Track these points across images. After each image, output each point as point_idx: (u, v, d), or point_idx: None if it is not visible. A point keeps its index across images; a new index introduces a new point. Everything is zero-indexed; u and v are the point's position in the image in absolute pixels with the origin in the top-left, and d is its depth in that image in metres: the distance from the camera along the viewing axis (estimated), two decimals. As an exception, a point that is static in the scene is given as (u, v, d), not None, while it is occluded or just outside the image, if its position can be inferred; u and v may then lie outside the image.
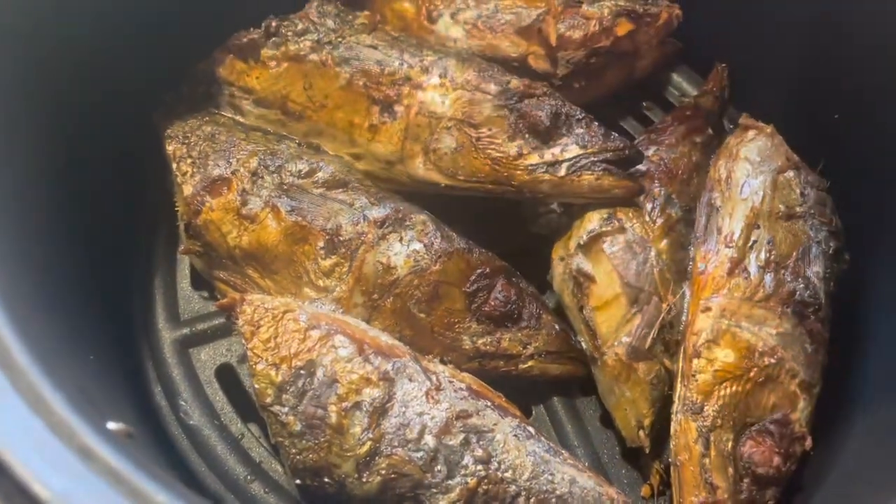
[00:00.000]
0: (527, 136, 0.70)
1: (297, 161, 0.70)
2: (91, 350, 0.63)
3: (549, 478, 0.60)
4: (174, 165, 0.70)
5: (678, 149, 0.76)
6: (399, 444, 0.59)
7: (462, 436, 0.60)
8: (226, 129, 0.73)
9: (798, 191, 0.72)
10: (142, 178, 0.76)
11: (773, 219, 0.70)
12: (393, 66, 0.73)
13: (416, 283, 0.67)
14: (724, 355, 0.64)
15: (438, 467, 0.59)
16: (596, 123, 0.71)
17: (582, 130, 0.71)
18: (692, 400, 0.63)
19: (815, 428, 0.64)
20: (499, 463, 0.60)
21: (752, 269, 0.67)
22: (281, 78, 0.75)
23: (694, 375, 0.64)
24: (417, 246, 0.68)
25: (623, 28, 0.80)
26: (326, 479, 0.60)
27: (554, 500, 0.60)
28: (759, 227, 0.69)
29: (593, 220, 0.70)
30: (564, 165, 0.69)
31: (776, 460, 0.62)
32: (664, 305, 0.67)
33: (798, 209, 0.71)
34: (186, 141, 0.71)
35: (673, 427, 0.64)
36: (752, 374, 0.63)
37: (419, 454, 0.59)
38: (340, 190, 0.70)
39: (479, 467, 0.60)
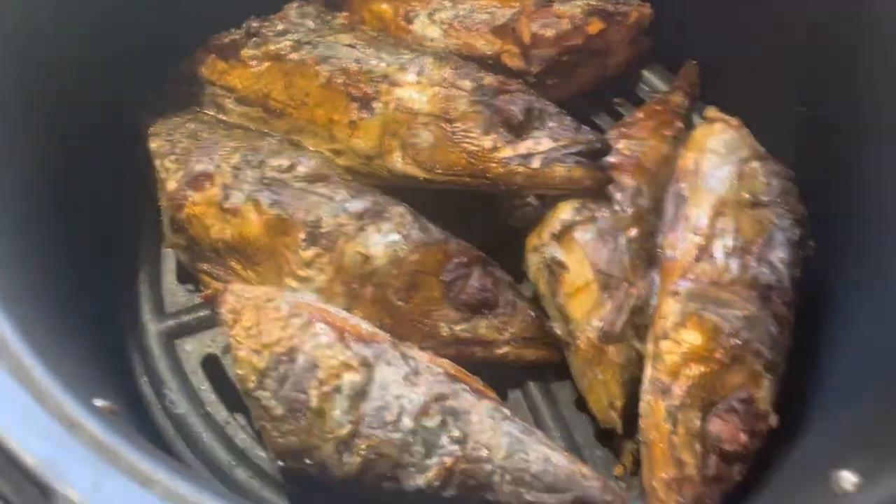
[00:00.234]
0: (501, 130, 0.73)
1: (278, 156, 0.72)
2: (77, 342, 0.65)
3: (524, 456, 0.63)
4: (157, 162, 0.72)
5: (648, 142, 0.79)
6: (378, 425, 0.61)
7: (439, 417, 0.62)
8: (208, 127, 0.75)
9: (763, 180, 0.75)
10: (126, 176, 0.78)
11: (739, 207, 0.73)
12: (371, 64, 0.76)
13: (394, 272, 0.69)
14: (691, 337, 0.66)
15: (416, 447, 0.61)
16: (568, 118, 0.74)
17: (554, 124, 0.73)
18: (660, 380, 0.65)
19: (781, 406, 0.67)
20: (475, 443, 0.62)
21: (719, 255, 0.70)
22: (262, 77, 0.77)
23: (662, 357, 0.66)
24: (395, 237, 0.70)
25: (595, 27, 0.83)
26: (308, 461, 0.62)
27: (528, 477, 0.62)
28: (725, 215, 0.72)
29: (566, 211, 0.73)
30: (537, 158, 0.72)
31: (742, 437, 0.64)
32: (633, 291, 0.70)
33: (763, 198, 0.74)
34: (169, 138, 0.73)
35: (642, 407, 0.66)
36: (718, 355, 0.66)
37: (397, 435, 0.61)
38: (321, 184, 0.72)
39: (456, 447, 0.62)
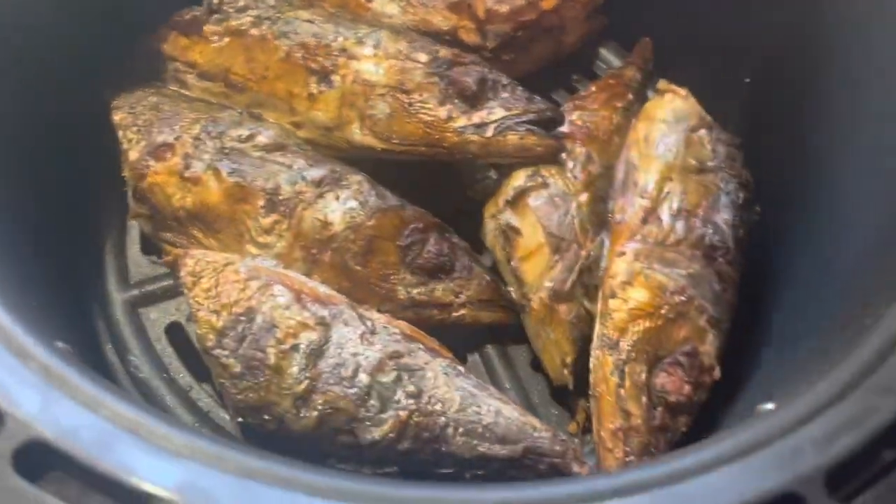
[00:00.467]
0: (456, 100, 0.75)
1: (237, 127, 0.74)
2: (42, 311, 0.67)
3: (476, 409, 0.65)
4: (120, 133, 0.74)
5: (600, 112, 0.81)
6: (335, 381, 0.63)
7: (394, 373, 0.64)
8: (170, 100, 0.77)
9: (710, 147, 0.77)
10: (91, 151, 0.80)
11: (686, 173, 0.75)
12: (329, 38, 0.78)
13: (352, 237, 0.71)
14: (638, 295, 0.69)
15: (372, 402, 0.63)
16: (520, 88, 0.76)
17: (507, 95, 0.75)
18: (608, 336, 0.68)
19: (725, 361, 0.69)
20: (429, 397, 0.64)
21: (665, 217, 0.73)
22: (223, 52, 0.79)
23: (610, 314, 0.69)
24: (353, 203, 0.72)
25: (548, 2, 0.85)
26: (266, 416, 0.64)
27: (480, 429, 0.64)
28: (672, 180, 0.75)
29: (519, 178, 0.75)
30: (491, 127, 0.74)
31: (686, 389, 0.67)
32: (583, 252, 0.72)
33: (709, 163, 0.76)
34: (132, 111, 0.75)
35: (592, 362, 0.68)
36: (663, 310, 0.68)
37: (353, 390, 0.63)
38: (279, 153, 0.74)
39: (411, 401, 0.64)
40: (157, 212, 0.74)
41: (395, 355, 0.65)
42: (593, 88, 0.86)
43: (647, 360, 0.67)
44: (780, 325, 0.72)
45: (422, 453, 0.64)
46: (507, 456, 0.64)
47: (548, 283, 0.71)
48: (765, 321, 0.73)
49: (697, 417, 0.68)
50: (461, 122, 0.74)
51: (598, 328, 0.69)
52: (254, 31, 0.78)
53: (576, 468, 0.63)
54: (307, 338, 0.64)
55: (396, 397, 0.64)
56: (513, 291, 0.75)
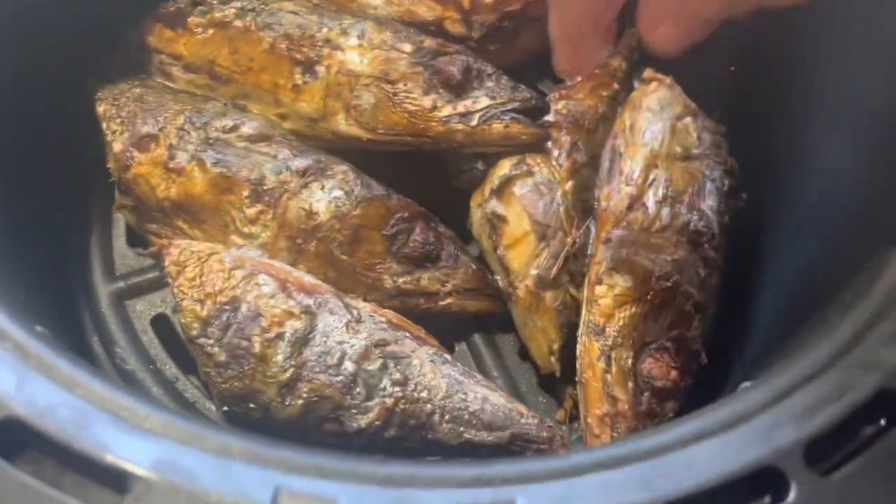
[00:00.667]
0: (440, 90, 0.75)
1: (222, 118, 0.74)
2: (28, 303, 0.66)
3: (463, 396, 0.65)
4: (104, 125, 0.74)
5: (585, 101, 0.81)
6: (320, 369, 0.63)
7: (380, 361, 0.64)
8: (155, 92, 0.76)
9: (695, 135, 0.78)
10: (77, 144, 0.80)
11: (671, 160, 0.75)
12: (313, 29, 0.77)
13: (337, 227, 0.71)
14: (624, 281, 0.69)
15: (358, 389, 0.63)
16: (505, 77, 0.76)
17: (492, 84, 0.76)
18: (595, 322, 0.68)
19: (712, 346, 0.70)
20: (415, 385, 0.64)
21: (650, 203, 0.73)
22: (207, 44, 0.79)
23: (596, 300, 0.69)
24: (338, 193, 0.72)
25: (534, -8, 0.86)
26: (251, 405, 0.63)
27: (467, 416, 0.64)
28: (657, 168, 0.75)
29: (505, 166, 0.75)
30: (476, 116, 0.74)
31: (673, 374, 0.67)
32: (568, 239, 0.72)
33: (694, 151, 0.76)
34: (116, 102, 0.75)
35: (578, 349, 0.68)
36: (649, 296, 0.68)
37: (339, 378, 0.63)
38: (264, 143, 0.74)
39: (397, 389, 0.64)
40: (141, 203, 0.73)
41: (382, 343, 0.65)
42: (579, 78, 0.86)
43: (633, 346, 0.67)
44: (766, 310, 0.73)
45: (408, 441, 0.63)
46: (494, 443, 0.64)
47: (534, 271, 0.71)
48: (750, 306, 0.73)
49: (684, 403, 0.68)
50: (446, 111, 0.74)
51: (584, 314, 0.69)
52: (238, 23, 0.78)
53: (563, 455, 0.63)
54: (292, 326, 0.64)
55: (382, 385, 0.64)
56: (499, 280, 0.75)
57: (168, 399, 0.71)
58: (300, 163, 0.72)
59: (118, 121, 0.74)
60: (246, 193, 0.71)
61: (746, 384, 0.45)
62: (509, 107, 0.74)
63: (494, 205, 0.75)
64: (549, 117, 0.77)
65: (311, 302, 0.66)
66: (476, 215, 0.77)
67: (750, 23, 0.82)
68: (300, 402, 0.63)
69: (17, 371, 0.38)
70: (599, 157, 0.78)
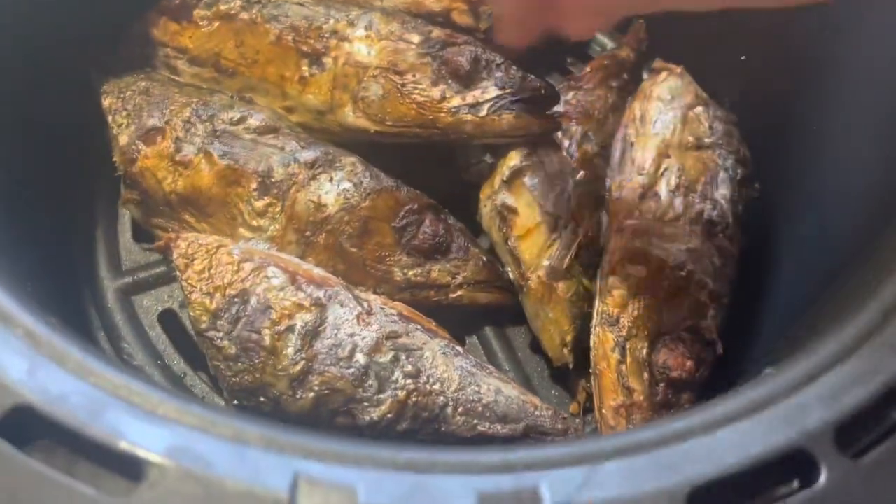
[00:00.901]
0: (449, 81, 0.74)
1: (228, 110, 0.73)
2: (35, 298, 0.66)
3: (476, 389, 0.64)
4: (110, 118, 0.73)
5: (595, 91, 0.81)
6: (331, 362, 0.62)
7: (392, 353, 0.63)
8: (160, 85, 0.76)
9: (707, 124, 0.77)
10: (83, 139, 0.79)
11: (683, 149, 0.75)
12: (320, 21, 0.77)
13: (346, 219, 0.70)
14: (637, 271, 0.68)
15: (370, 382, 0.62)
16: (514, 67, 0.75)
17: (501, 74, 0.75)
18: (609, 313, 0.67)
19: (727, 336, 0.69)
20: (427, 377, 0.63)
21: (663, 193, 0.72)
22: (213, 37, 0.78)
23: (610, 291, 0.68)
24: (347, 185, 0.71)
25: (541, -18, 0.85)
26: (262, 398, 0.63)
27: (480, 408, 0.63)
28: (669, 157, 0.74)
29: (514, 158, 0.74)
30: (485, 106, 0.73)
31: (689, 364, 0.66)
32: (580, 230, 0.71)
33: (706, 140, 0.76)
34: (122, 95, 0.74)
35: (592, 340, 0.67)
36: (663, 286, 0.67)
37: (351, 371, 0.62)
38: (271, 135, 0.73)
39: (409, 381, 0.63)
40: (148, 197, 0.73)
41: (393, 335, 0.64)
42: (588, 69, 0.85)
43: (648, 337, 0.66)
44: (782, 299, 0.72)
45: (421, 433, 0.63)
46: (508, 435, 0.63)
47: (546, 262, 0.70)
48: (766, 295, 0.72)
49: (700, 394, 0.67)
50: (455, 102, 0.73)
51: (598, 305, 0.68)
52: (244, 15, 0.77)
53: (586, 440, 0.62)
54: (302, 319, 0.63)
55: (394, 377, 0.63)
56: (510, 272, 0.74)
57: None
58: (308, 154, 0.71)
59: (124, 114, 0.73)
60: (254, 186, 0.70)
61: (769, 370, 0.43)
62: (519, 97, 0.73)
63: (505, 196, 0.74)
64: (559, 107, 0.76)
65: (321, 294, 0.65)
66: (486, 207, 0.76)
67: (758, 13, 0.82)
68: (311, 395, 0.62)
69: (29, 358, 0.37)
70: (610, 146, 0.77)
